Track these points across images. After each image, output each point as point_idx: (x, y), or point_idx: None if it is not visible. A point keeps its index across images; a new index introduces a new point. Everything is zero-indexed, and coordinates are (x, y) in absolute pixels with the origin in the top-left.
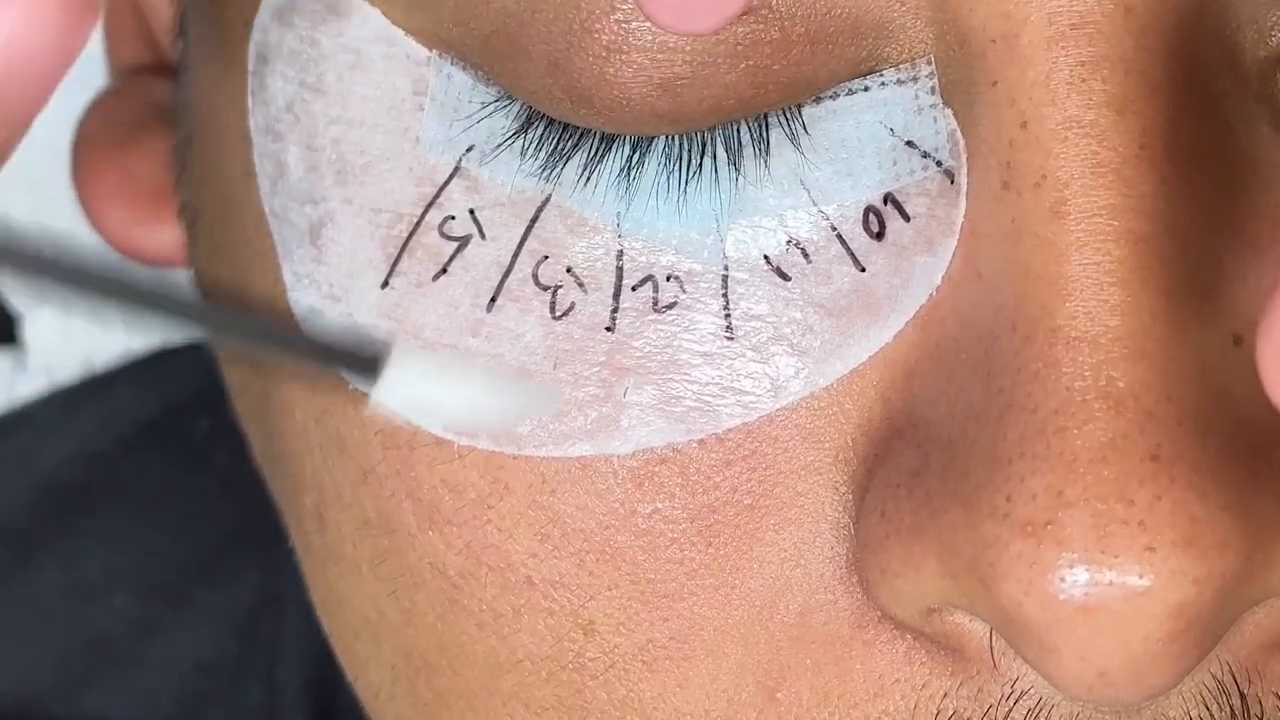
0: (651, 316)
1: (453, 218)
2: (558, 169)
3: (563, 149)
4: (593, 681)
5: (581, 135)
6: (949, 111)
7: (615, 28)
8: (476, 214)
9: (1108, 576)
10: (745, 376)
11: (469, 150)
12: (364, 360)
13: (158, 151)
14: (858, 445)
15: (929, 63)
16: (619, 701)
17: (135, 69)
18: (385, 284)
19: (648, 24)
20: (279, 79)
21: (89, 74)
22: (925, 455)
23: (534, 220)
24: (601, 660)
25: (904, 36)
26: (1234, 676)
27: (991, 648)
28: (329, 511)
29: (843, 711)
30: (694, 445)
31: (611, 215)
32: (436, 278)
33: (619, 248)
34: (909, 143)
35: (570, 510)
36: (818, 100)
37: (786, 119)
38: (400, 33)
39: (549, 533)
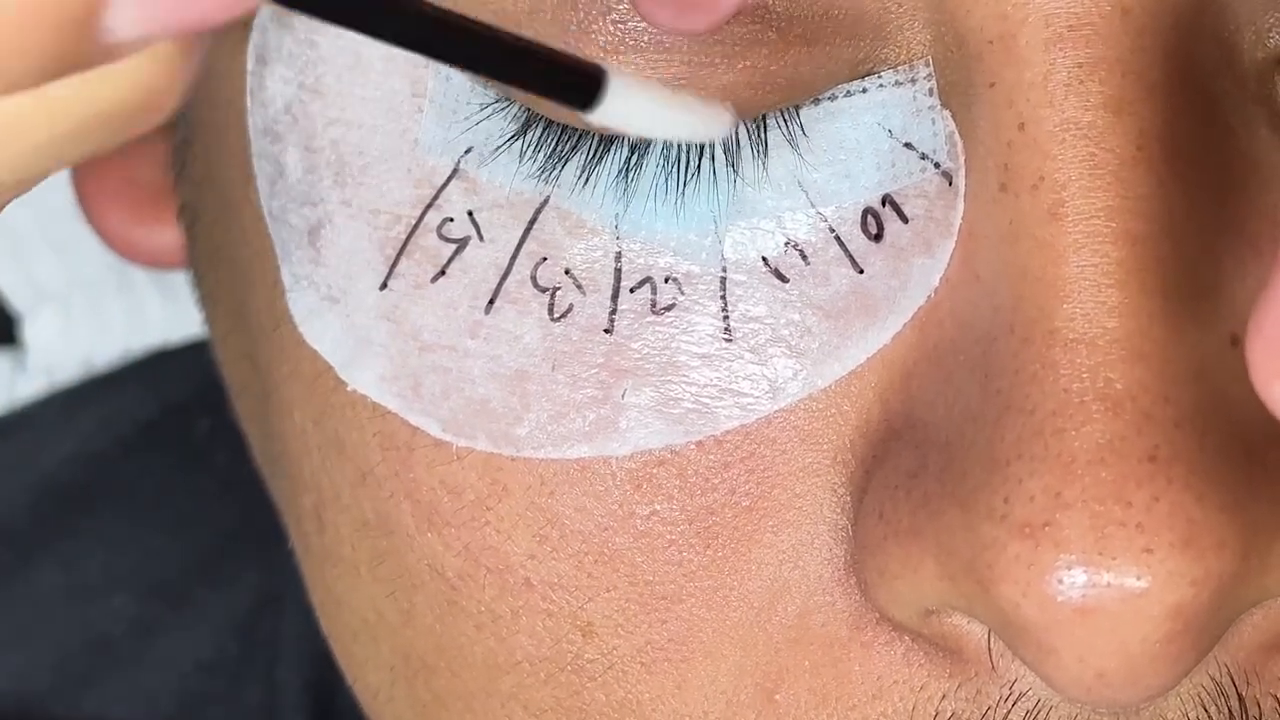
0: (650, 318)
1: (451, 219)
2: (556, 171)
3: (561, 151)
4: (591, 683)
5: (580, 137)
6: (947, 113)
7: (612, 28)
8: (475, 216)
9: (1105, 578)
10: (743, 378)
11: (467, 152)
12: (583, 86)
13: (157, 153)
14: (856, 447)
15: (927, 64)
16: (617, 703)
17: None
18: (384, 286)
19: (645, 25)
20: (278, 80)
21: None
22: (923, 457)
23: (532, 222)
24: (600, 662)
25: (902, 38)
26: (1232, 678)
27: (990, 649)
28: (328, 513)
29: (841, 713)
30: (692, 447)
31: (610, 217)
32: (435, 279)
33: (617, 249)
34: (907, 144)
35: (569, 512)
36: (816, 102)
37: (785, 120)
38: None
39: (547, 534)
